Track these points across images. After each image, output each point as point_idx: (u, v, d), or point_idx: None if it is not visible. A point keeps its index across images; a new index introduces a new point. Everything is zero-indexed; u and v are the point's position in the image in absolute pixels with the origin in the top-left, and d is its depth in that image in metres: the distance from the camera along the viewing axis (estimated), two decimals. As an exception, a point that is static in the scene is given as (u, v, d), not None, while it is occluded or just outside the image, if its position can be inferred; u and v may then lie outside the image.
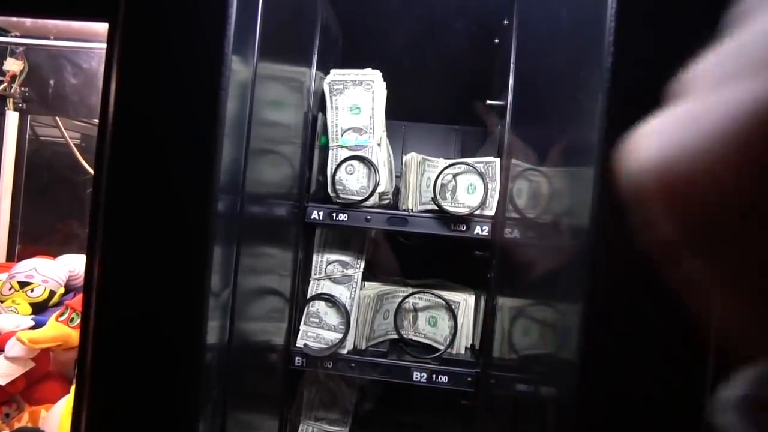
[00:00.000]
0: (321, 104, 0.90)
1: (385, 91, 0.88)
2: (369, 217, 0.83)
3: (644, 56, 0.37)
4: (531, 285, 0.62)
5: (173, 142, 0.44)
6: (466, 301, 0.87)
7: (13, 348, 1.02)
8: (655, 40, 0.36)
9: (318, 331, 0.86)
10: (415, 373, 0.81)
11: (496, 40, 0.99)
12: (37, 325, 1.13)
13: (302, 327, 0.87)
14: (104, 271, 0.46)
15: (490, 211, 0.82)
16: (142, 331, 0.47)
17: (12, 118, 1.38)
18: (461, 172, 0.86)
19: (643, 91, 0.37)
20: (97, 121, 1.33)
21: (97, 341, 0.47)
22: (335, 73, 0.87)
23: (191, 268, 0.46)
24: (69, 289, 1.32)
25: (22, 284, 1.25)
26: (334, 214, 0.83)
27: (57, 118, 1.40)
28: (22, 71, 1.23)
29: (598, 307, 0.40)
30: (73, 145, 1.47)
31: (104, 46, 0.53)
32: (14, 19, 1.03)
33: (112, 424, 0.47)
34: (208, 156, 0.42)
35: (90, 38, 0.79)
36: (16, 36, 1.15)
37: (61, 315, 1.11)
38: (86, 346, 0.48)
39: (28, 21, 0.84)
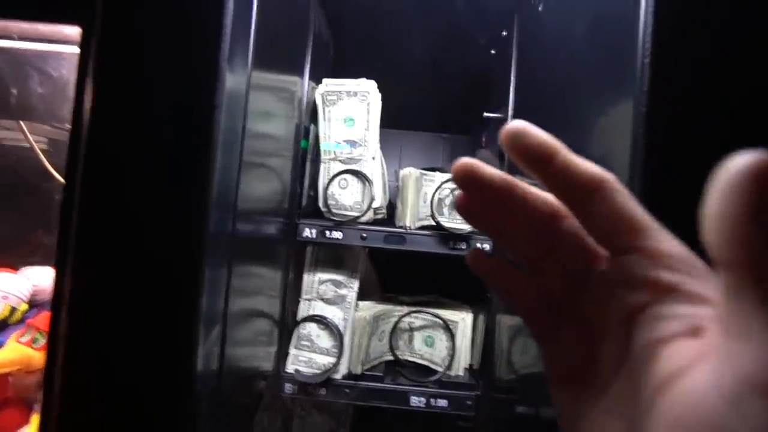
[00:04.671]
0: (313, 115, 0.86)
1: (380, 102, 0.84)
2: (365, 234, 0.79)
3: (682, 78, 0.34)
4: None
5: (159, 161, 0.39)
6: (464, 320, 0.84)
7: (-33, 374, 0.93)
8: (693, 60, 0.34)
9: (310, 355, 0.81)
10: (413, 398, 0.77)
11: (493, 51, 0.97)
12: (-4, 347, 1.03)
13: (292, 351, 0.82)
14: (81, 294, 0.41)
15: (491, 229, 0.80)
16: (124, 359, 0.42)
17: (-30, 121, 1.27)
18: (459, 187, 0.83)
19: (680, 117, 0.35)
20: (68, 125, 1.24)
21: (68, 370, 0.42)
22: (328, 83, 0.83)
23: (181, 290, 0.41)
24: (32, 304, 1.22)
25: (-21, 301, 1.14)
26: (328, 232, 0.79)
27: (21, 122, 1.30)
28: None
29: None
30: (39, 151, 1.37)
31: (75, 49, 0.47)
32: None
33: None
34: (201, 176, 0.38)
35: (58, 41, 0.72)
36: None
37: (23, 335, 1.02)
38: (53, 374, 0.42)
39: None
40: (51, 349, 0.44)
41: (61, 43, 0.74)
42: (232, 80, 0.46)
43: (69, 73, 0.76)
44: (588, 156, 0.47)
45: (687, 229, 0.34)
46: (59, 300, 0.42)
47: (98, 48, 0.40)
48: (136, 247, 0.40)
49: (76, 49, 0.46)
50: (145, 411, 0.41)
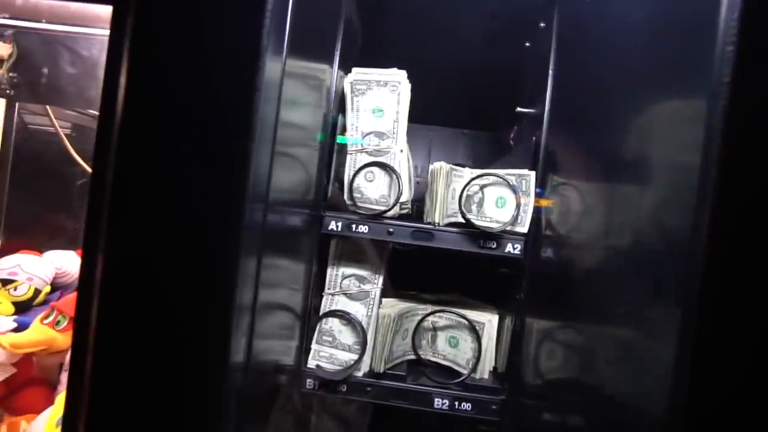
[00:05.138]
0: (340, 105, 0.84)
1: (410, 94, 0.82)
2: (392, 229, 0.76)
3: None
4: (589, 308, 0.56)
5: (196, 145, 0.38)
6: (490, 322, 0.81)
7: (-8, 353, 0.94)
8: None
9: (331, 351, 0.80)
10: (436, 399, 0.75)
11: (527, 44, 0.93)
12: (20, 327, 1.05)
13: (314, 346, 0.81)
14: (112, 280, 0.40)
15: (523, 228, 0.77)
16: (155, 351, 0.41)
17: (-1, 104, 1.29)
18: (489, 184, 0.80)
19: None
20: (91, 111, 1.25)
21: (97, 355, 0.41)
22: (358, 72, 0.81)
23: (217, 280, 0.39)
24: (55, 287, 1.24)
25: (5, 282, 1.17)
26: (354, 226, 0.77)
27: (47, 107, 1.32)
28: (10, 56, 1.14)
29: (705, 336, 0.34)
30: (63, 136, 1.38)
31: (106, 32, 0.46)
32: (4, -2, 0.95)
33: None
34: (240, 164, 0.36)
35: (90, 23, 0.71)
36: (5, 17, 1.07)
37: (47, 317, 1.04)
38: (82, 356, 0.41)
39: (19, 1, 0.76)
40: (78, 332, 0.43)
41: (91, 26, 0.73)
42: (269, 66, 0.44)
43: (99, 53, 0.75)
44: (643, 150, 0.43)
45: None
46: (88, 284, 0.41)
47: (134, 28, 0.38)
48: (169, 234, 0.38)
49: (106, 31, 0.45)
50: (174, 401, 0.40)
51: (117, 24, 0.42)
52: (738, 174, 0.31)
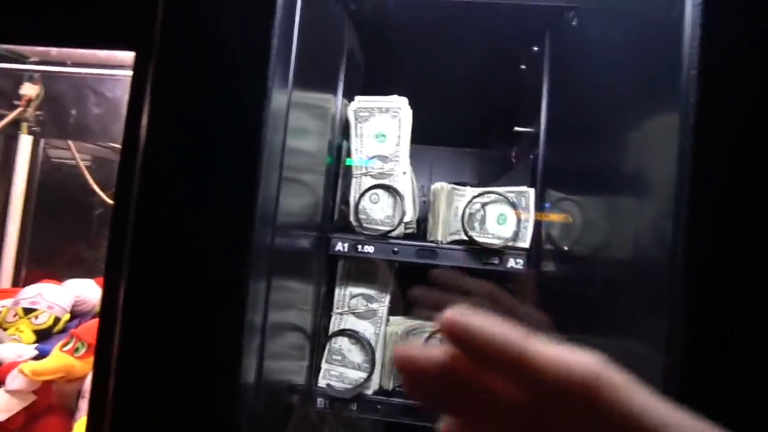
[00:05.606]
0: (345, 131, 0.88)
1: (411, 118, 0.86)
2: (396, 249, 0.79)
3: (733, 88, 0.34)
4: (582, 322, 0.57)
5: (209, 176, 0.41)
6: (497, 338, 0.82)
7: (14, 381, 0.97)
8: (744, 69, 0.33)
9: (341, 370, 0.81)
10: (445, 416, 0.76)
11: (522, 67, 0.97)
12: (41, 355, 1.08)
13: (324, 365, 0.82)
14: (133, 306, 0.43)
15: (524, 244, 0.78)
16: (171, 373, 0.43)
17: (25, 141, 1.36)
18: (490, 202, 0.82)
19: (729, 125, 0.34)
20: (111, 144, 1.30)
21: (119, 379, 0.44)
22: (360, 100, 0.85)
23: (227, 303, 0.42)
24: (74, 314, 1.28)
25: (27, 311, 1.20)
26: (360, 246, 0.80)
27: (69, 141, 1.39)
28: (37, 96, 1.22)
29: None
30: (84, 168, 1.45)
31: (126, 72, 0.51)
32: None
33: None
34: (248, 192, 0.39)
35: (114, 66, 0.78)
36: (33, 62, 1.15)
37: (66, 344, 1.06)
38: (104, 381, 0.44)
39: (53, 51, 0.83)
40: (100, 358, 0.45)
41: (116, 68, 0.79)
42: (276, 99, 0.48)
43: (122, 93, 0.81)
44: (628, 166, 0.46)
45: (738, 238, 0.33)
46: (110, 311, 0.44)
47: (155, 70, 0.42)
48: (185, 261, 0.41)
49: (129, 72, 0.49)
50: (190, 423, 0.42)
51: (139, 68, 0.47)
52: (708, 181, 0.33)
